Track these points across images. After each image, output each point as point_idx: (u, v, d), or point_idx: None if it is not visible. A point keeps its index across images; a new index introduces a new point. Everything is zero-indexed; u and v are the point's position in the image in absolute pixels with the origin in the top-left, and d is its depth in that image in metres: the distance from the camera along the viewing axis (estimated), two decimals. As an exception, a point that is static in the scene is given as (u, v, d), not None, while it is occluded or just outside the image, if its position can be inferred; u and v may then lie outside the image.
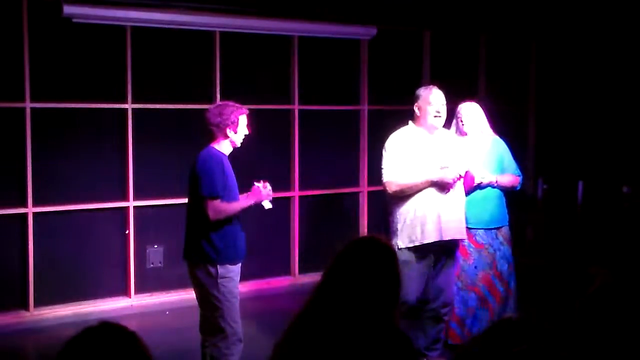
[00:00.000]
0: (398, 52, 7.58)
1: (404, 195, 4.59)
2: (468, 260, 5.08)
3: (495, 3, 7.35)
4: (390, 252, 2.35)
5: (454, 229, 4.62)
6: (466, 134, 5.15)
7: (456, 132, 5.20)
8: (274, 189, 6.54)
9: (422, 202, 4.56)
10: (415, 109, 4.68)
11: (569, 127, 7.78)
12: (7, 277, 5.82)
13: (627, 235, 6.60)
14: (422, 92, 4.71)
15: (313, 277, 6.24)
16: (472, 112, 5.18)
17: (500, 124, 8.23)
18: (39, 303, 5.89)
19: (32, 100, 5.81)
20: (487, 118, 5.29)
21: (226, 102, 4.35)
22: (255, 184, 4.34)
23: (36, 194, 5.85)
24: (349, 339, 2.17)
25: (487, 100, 8.03)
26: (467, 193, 4.85)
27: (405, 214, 4.59)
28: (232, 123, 4.21)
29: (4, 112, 5.77)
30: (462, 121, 5.15)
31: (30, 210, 5.83)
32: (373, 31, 7.20)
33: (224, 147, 4.26)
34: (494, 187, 5.06)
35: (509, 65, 8.17)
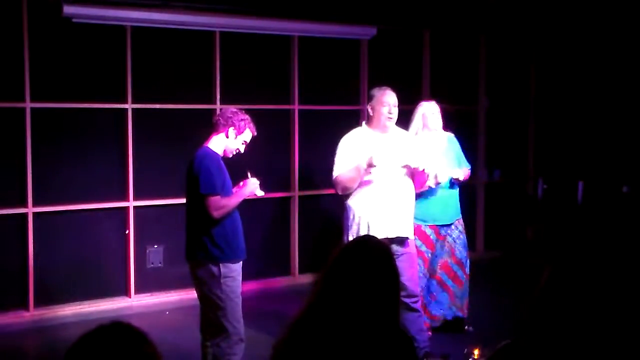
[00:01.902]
0: (398, 52, 7.58)
1: (352, 192, 4.68)
2: (432, 250, 5.41)
3: (495, 3, 7.35)
4: (386, 252, 2.36)
5: (401, 227, 4.68)
6: (431, 130, 5.43)
7: (421, 128, 5.45)
8: (274, 189, 6.55)
9: (370, 199, 4.64)
10: (369, 109, 4.82)
11: (569, 127, 7.78)
12: (7, 277, 5.82)
13: (627, 235, 6.60)
14: (375, 92, 4.83)
15: (313, 277, 6.24)
16: (437, 110, 5.48)
17: (500, 124, 8.26)
18: (39, 303, 5.89)
19: (32, 100, 5.81)
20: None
21: (245, 114, 4.39)
22: (249, 175, 4.37)
23: (36, 194, 5.85)
24: (349, 340, 2.17)
25: (486, 100, 8.05)
26: (419, 191, 4.95)
27: (355, 209, 4.69)
28: (238, 127, 4.27)
29: (4, 112, 5.77)
30: (436, 117, 5.43)
31: (30, 210, 5.83)
32: (373, 31, 7.20)
33: (218, 147, 4.28)
34: (458, 183, 5.42)
35: (509, 65, 8.17)
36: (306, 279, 6.81)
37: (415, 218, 5.26)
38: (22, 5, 5.70)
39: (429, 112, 5.44)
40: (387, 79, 7.45)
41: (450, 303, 5.42)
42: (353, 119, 7.32)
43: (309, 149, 7.05)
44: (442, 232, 5.41)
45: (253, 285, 6.59)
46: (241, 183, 4.36)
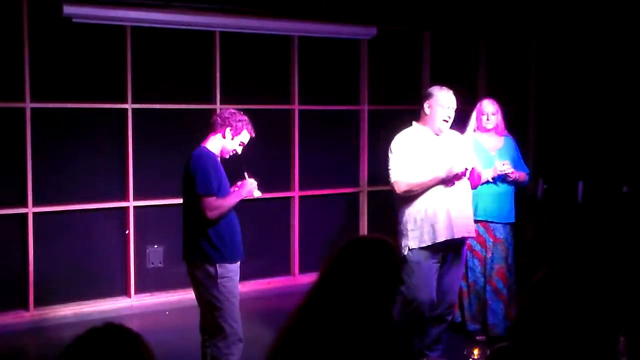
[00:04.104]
0: (398, 52, 7.58)
1: (411, 195, 4.56)
2: (488, 253, 5.25)
3: (495, 3, 7.34)
4: (386, 251, 2.35)
5: (464, 227, 4.60)
6: (488, 131, 5.36)
7: (476, 128, 5.39)
8: (274, 189, 6.55)
9: (432, 201, 4.53)
10: (426, 107, 4.64)
11: (569, 127, 7.77)
12: (7, 277, 5.82)
13: (627, 235, 6.60)
14: (435, 91, 4.66)
15: (313, 277, 6.24)
16: (495, 109, 5.38)
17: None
18: (39, 303, 5.89)
19: (32, 100, 5.81)
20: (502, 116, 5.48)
21: (243, 115, 4.37)
22: (246, 176, 4.35)
23: (36, 194, 5.85)
24: (346, 338, 2.17)
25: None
26: (473, 190, 4.86)
27: (415, 213, 4.56)
28: (235, 128, 4.25)
29: (4, 112, 5.78)
30: (488, 118, 5.35)
31: (30, 210, 5.83)
32: (373, 31, 7.20)
33: (215, 147, 4.28)
34: (510, 180, 5.26)
35: (509, 65, 8.16)
36: (306, 279, 6.80)
37: None
38: (22, 5, 5.70)
39: (482, 111, 5.36)
40: (387, 79, 7.51)
41: (505, 314, 5.25)
42: (353, 119, 7.34)
43: (309, 149, 7.05)
44: (497, 234, 5.26)
45: (253, 285, 6.60)
46: (239, 183, 4.36)
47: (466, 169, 4.54)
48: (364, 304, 2.21)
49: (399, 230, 4.65)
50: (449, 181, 4.52)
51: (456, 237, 4.54)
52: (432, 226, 4.51)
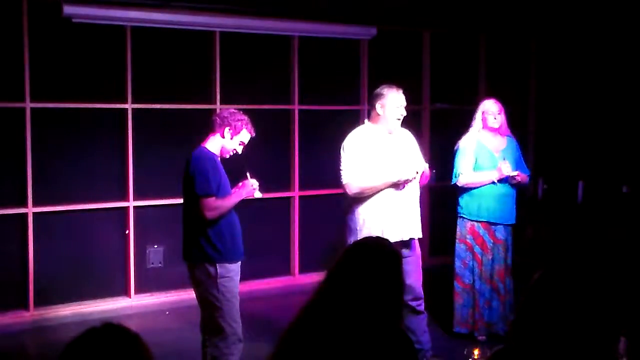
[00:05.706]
0: (398, 52, 7.58)
1: (362, 196, 4.60)
2: (488, 255, 5.26)
3: (495, 3, 7.34)
4: (394, 255, 2.35)
5: (413, 228, 4.65)
6: (494, 130, 5.34)
7: (482, 128, 5.35)
8: (274, 189, 6.55)
9: (382, 202, 4.56)
10: (378, 107, 4.68)
11: (569, 127, 7.77)
12: (7, 277, 5.82)
13: (627, 236, 6.60)
14: (387, 91, 4.70)
15: (313, 277, 6.25)
16: (497, 109, 5.35)
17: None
18: (39, 303, 5.89)
19: (32, 100, 5.81)
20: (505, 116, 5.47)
21: (243, 115, 4.36)
22: (248, 176, 4.34)
23: (36, 194, 5.85)
24: (351, 342, 2.17)
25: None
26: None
27: (364, 213, 4.59)
28: (234, 127, 4.25)
29: (4, 112, 5.78)
30: (495, 117, 5.32)
31: (30, 210, 5.83)
32: (373, 31, 7.20)
33: (215, 147, 4.27)
34: (513, 183, 5.25)
35: (509, 65, 8.17)
36: (306, 279, 6.81)
37: (467, 214, 5.25)
38: (22, 5, 5.70)
39: (488, 111, 5.33)
40: (387, 79, 7.47)
41: (502, 313, 5.26)
42: (353, 119, 7.33)
43: (309, 149, 7.05)
44: (498, 235, 5.25)
45: (253, 285, 6.60)
46: (240, 184, 4.36)
47: (417, 173, 4.57)
48: (369, 308, 2.21)
49: (348, 229, 4.66)
50: (399, 185, 4.56)
51: (405, 240, 4.57)
52: (382, 227, 4.53)
